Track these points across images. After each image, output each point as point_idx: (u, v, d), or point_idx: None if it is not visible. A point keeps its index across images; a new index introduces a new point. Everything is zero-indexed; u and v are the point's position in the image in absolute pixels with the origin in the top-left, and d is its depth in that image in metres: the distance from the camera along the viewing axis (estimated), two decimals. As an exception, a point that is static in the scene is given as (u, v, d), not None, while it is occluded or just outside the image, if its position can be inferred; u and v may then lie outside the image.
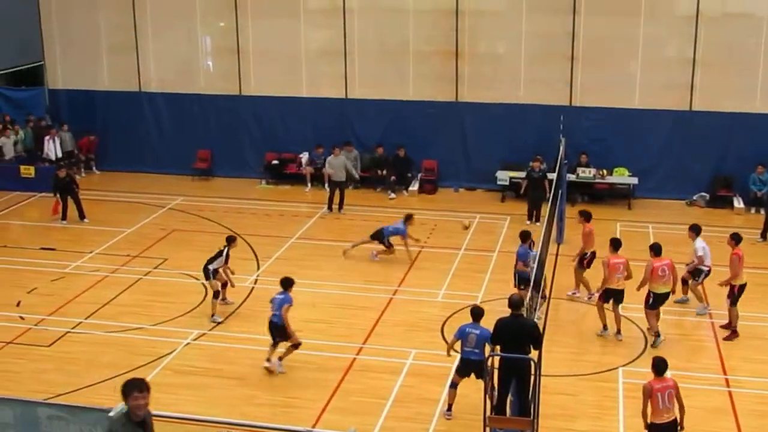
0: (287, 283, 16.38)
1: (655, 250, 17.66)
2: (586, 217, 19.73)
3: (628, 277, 17.68)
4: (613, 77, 27.37)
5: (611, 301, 17.61)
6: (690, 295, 19.17)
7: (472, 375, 14.32)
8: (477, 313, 14.38)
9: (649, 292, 17.41)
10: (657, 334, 17.32)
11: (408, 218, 21.92)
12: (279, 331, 16.13)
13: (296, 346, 16.22)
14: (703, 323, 18.49)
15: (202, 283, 20.15)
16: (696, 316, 18.75)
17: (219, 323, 18.27)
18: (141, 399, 8.52)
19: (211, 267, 18.46)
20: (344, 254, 22.08)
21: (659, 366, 12.70)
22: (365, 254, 22.27)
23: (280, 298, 16.14)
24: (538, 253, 16.75)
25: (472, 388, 14.50)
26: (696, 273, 18.90)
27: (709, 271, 18.80)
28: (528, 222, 24.28)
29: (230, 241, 18.92)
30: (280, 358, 16.22)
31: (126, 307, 19.14)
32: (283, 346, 16.30)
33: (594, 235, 19.47)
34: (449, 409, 14.61)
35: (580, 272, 19.47)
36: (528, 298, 14.87)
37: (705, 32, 26.34)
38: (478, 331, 14.17)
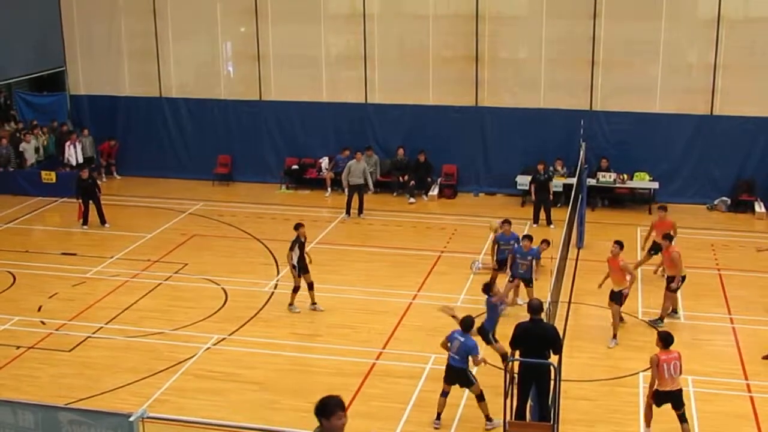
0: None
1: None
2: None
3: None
4: (634, 81, 27.27)
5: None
6: None
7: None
8: (467, 323, 14.35)
9: (677, 276, 18.11)
10: (661, 319, 18.18)
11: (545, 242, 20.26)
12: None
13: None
14: (723, 328, 18.38)
15: (223, 288, 20.27)
16: (716, 322, 18.68)
17: (297, 312, 18.92)
18: (344, 417, 7.97)
19: (294, 263, 18.68)
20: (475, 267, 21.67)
21: (666, 339, 13.71)
22: (384, 258, 22.31)
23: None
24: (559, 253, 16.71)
25: (492, 393, 14.49)
26: None
27: None
28: (534, 225, 24.27)
29: (296, 228, 18.96)
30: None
31: (146, 311, 19.22)
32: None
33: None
34: (438, 418, 14.57)
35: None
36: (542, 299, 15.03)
37: (726, 36, 26.21)
38: (462, 339, 14.18)
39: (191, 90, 30.39)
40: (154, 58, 30.12)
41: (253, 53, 29.41)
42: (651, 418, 13.93)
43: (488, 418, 14.33)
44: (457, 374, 14.31)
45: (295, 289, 18.98)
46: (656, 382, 13.52)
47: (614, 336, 17.63)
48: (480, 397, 14.28)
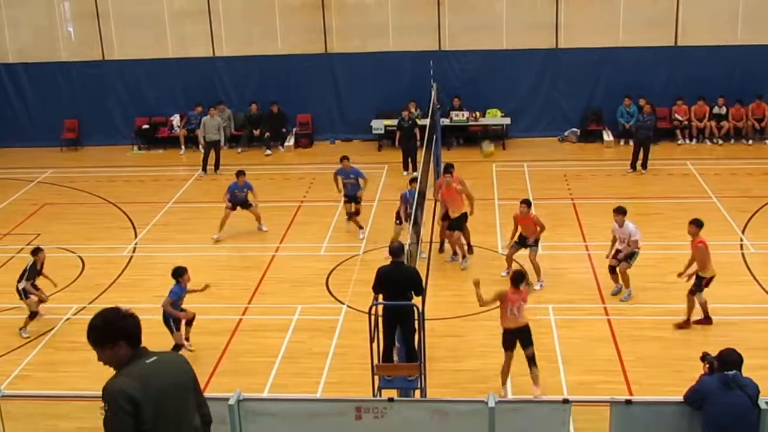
0: (176, 273, 15.34)
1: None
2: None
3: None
4: (481, 20, 27.57)
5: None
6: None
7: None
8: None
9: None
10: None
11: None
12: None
13: (189, 322, 15.55)
14: (580, 256, 18.92)
15: (79, 256, 19.70)
16: (573, 251, 19.19)
17: (26, 338, 16.33)
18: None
19: (20, 286, 16.43)
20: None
21: (516, 278, 13.51)
22: (243, 213, 22.07)
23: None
24: (416, 197, 16.83)
25: (361, 337, 14.53)
26: (631, 256, 17.01)
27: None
28: (404, 172, 24.34)
29: (34, 253, 16.77)
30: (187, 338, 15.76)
31: (0, 287, 18.50)
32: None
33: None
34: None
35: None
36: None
37: (566, -31, 26.76)
38: None
39: (30, 54, 29.11)
40: (-14, 21, 28.78)
41: (92, 12, 28.36)
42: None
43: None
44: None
45: (32, 315, 16.50)
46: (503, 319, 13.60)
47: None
48: None
